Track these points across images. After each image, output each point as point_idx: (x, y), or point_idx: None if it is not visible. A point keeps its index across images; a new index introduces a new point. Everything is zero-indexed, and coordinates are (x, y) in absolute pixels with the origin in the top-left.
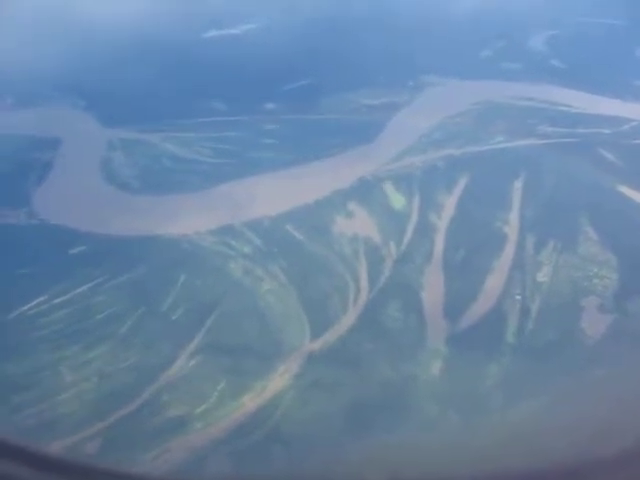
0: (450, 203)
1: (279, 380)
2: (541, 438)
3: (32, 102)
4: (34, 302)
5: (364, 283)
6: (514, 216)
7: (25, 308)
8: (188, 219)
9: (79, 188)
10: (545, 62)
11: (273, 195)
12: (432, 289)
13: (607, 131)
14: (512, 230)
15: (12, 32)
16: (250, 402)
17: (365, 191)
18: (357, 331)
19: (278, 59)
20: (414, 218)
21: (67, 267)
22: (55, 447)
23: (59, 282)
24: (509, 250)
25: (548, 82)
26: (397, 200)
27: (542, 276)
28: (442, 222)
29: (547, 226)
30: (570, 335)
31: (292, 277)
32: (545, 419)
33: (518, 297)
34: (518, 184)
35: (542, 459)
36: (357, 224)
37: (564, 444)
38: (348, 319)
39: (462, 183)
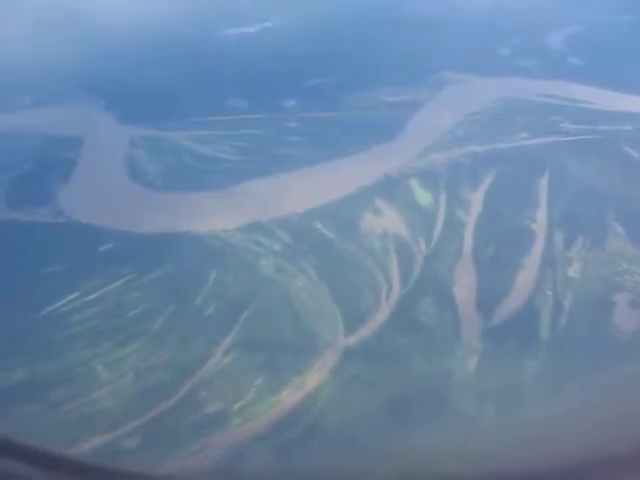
0: (476, 200)
1: (316, 376)
2: (574, 434)
3: (50, 101)
4: (66, 299)
5: (396, 279)
6: (541, 213)
7: (57, 305)
8: (215, 216)
9: (104, 186)
10: (563, 59)
11: (299, 192)
12: (464, 285)
13: (629, 128)
14: (540, 226)
15: (29, 31)
16: (288, 398)
17: (391, 188)
18: (391, 327)
19: (296, 57)
20: (442, 215)
21: (97, 264)
22: (94, 443)
23: (90, 279)
24: (538, 246)
25: (567, 79)
26: (424, 197)
27: (572, 272)
28: (470, 219)
29: (575, 223)
30: (604, 330)
31: (323, 274)
32: (580, 415)
33: (550, 293)
34: (543, 181)
35: (575, 455)
36: (385, 221)
37: (597, 440)
38: (381, 315)
39: (487, 180)
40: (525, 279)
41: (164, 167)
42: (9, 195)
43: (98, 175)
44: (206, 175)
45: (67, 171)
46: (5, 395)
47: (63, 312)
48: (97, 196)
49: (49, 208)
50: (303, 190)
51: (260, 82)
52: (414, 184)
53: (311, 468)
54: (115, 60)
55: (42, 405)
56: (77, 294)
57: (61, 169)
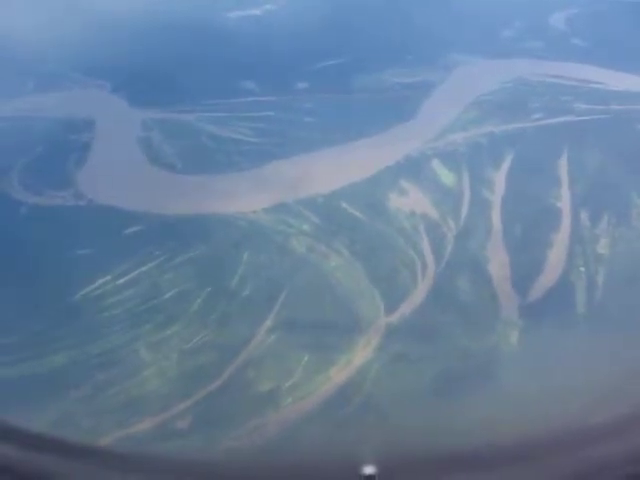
0: (499, 179)
1: (362, 353)
2: (613, 405)
3: (56, 85)
4: (98, 283)
5: (429, 258)
6: (564, 191)
7: (90, 289)
8: (240, 198)
9: (122, 168)
10: (567, 41)
11: (322, 173)
12: (497, 262)
13: None
14: (565, 205)
15: (31, 14)
16: (337, 376)
17: (414, 168)
18: (431, 304)
19: (303, 39)
20: (467, 194)
21: (125, 247)
22: (146, 424)
23: (121, 262)
24: (565, 224)
25: (573, 60)
26: (447, 176)
27: (602, 249)
28: (495, 197)
29: (599, 200)
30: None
31: (357, 253)
32: (618, 386)
33: (582, 269)
34: (563, 160)
35: (613, 423)
36: (411, 200)
37: (633, 410)
38: (420, 293)
39: (508, 159)
40: (557, 256)
41: (182, 149)
42: (26, 180)
43: (114, 158)
44: (226, 157)
45: (82, 154)
46: (49, 379)
47: (98, 295)
48: (117, 179)
49: (69, 191)
50: (326, 171)
51: (269, 64)
52: (436, 164)
53: (364, 444)
54: (121, 44)
55: (88, 388)
56: (109, 277)
57: (76, 152)
